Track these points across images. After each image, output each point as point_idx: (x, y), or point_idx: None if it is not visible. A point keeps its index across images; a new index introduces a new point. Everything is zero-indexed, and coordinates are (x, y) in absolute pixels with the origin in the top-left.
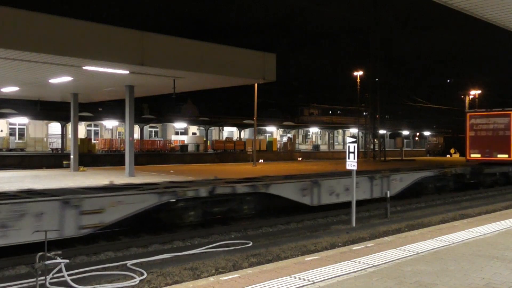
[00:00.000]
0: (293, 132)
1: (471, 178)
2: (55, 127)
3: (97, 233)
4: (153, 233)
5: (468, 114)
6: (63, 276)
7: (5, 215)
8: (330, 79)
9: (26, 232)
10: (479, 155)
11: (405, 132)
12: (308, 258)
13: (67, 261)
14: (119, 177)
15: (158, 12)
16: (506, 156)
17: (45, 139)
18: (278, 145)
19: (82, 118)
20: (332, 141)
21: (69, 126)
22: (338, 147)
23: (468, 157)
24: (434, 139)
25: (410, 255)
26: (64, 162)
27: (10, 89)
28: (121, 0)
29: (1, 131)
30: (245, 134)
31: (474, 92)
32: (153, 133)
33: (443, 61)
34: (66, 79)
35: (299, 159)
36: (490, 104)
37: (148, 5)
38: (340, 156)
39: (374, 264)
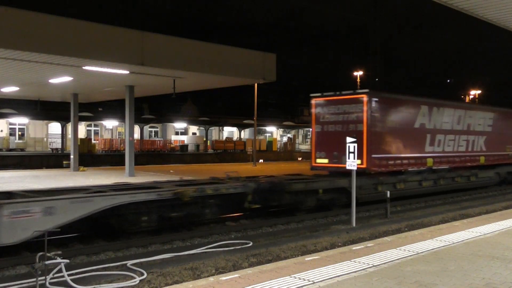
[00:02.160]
0: (293, 132)
1: (257, 200)
2: (55, 127)
3: (97, 233)
4: (153, 233)
5: (312, 100)
6: (63, 276)
7: None
8: (330, 79)
9: None
10: (326, 161)
11: None
12: (308, 258)
13: (67, 261)
14: (118, 177)
15: (158, 12)
16: (358, 162)
17: (45, 139)
18: (278, 145)
19: (82, 118)
20: None
21: (69, 126)
22: None
23: (313, 163)
24: None
25: (410, 255)
26: (64, 162)
27: (10, 89)
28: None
29: (1, 131)
30: (245, 134)
31: (474, 92)
32: (153, 133)
33: (443, 61)
34: (66, 79)
35: (299, 159)
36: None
37: (148, 5)
38: None
39: (374, 264)
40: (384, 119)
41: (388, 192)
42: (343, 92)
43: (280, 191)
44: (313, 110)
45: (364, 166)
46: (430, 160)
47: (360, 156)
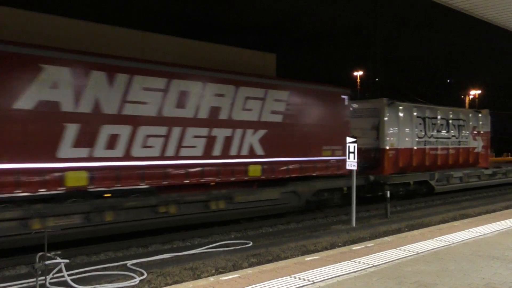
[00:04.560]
0: None
1: None
2: None
3: (97, 233)
4: (153, 233)
5: None
6: (63, 276)
7: None
8: (330, 79)
9: None
10: None
11: None
12: (308, 258)
13: (67, 261)
14: None
15: (158, 12)
16: None
17: None
18: None
19: None
20: None
21: None
22: None
23: None
24: None
25: (410, 255)
26: None
27: None
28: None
29: None
30: None
31: (474, 92)
32: None
33: (443, 61)
34: None
35: None
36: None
37: (148, 5)
38: None
39: (374, 264)
40: None
41: (388, 192)
42: None
43: None
44: None
45: None
46: (74, 175)
47: None
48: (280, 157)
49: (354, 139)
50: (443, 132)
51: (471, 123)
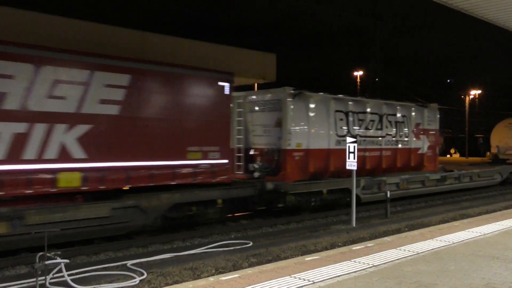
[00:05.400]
0: None
1: None
2: None
3: (97, 233)
4: (153, 233)
5: None
6: (63, 276)
7: None
8: (330, 79)
9: None
10: None
11: None
12: (308, 258)
13: (67, 261)
14: None
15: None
16: None
17: None
18: None
19: None
20: None
21: None
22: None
23: None
24: None
25: (410, 255)
26: None
27: None
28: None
29: None
30: None
31: (474, 92)
32: None
33: (443, 61)
34: None
35: None
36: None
37: (148, 5)
38: None
39: (374, 264)
40: None
41: (388, 192)
42: None
43: None
44: None
45: None
46: None
47: None
48: (116, 162)
49: (354, 139)
50: (374, 129)
51: (413, 119)
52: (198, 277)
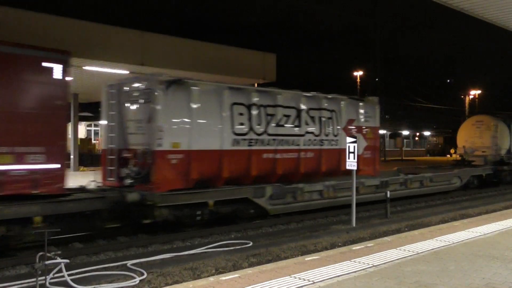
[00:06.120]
0: None
1: None
2: None
3: (97, 233)
4: (153, 233)
5: None
6: (63, 276)
7: None
8: (330, 79)
9: None
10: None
11: (405, 132)
12: (308, 258)
13: (67, 261)
14: None
15: (158, 12)
16: None
17: None
18: None
19: (82, 118)
20: None
21: (69, 126)
22: None
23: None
24: (434, 139)
25: (410, 255)
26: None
27: None
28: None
29: None
30: None
31: (474, 92)
32: None
33: (443, 61)
34: None
35: None
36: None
37: (148, 5)
38: None
39: (374, 264)
40: None
41: (388, 192)
42: None
43: None
44: None
45: None
46: None
47: None
48: None
49: (354, 139)
50: (290, 126)
51: (345, 115)
52: (198, 277)
